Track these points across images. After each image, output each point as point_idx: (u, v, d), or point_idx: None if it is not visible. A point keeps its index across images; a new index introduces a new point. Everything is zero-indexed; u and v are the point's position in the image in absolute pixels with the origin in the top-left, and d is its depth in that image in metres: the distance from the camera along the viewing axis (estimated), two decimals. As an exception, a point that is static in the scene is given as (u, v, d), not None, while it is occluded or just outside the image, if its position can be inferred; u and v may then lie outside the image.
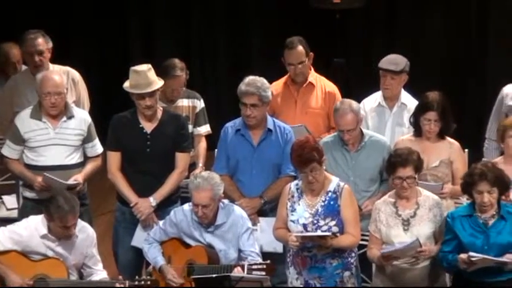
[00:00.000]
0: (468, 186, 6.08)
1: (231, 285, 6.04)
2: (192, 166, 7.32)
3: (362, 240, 6.47)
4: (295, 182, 6.44)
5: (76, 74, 7.67)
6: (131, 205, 6.85)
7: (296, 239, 6.19)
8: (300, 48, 7.43)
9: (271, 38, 9.34)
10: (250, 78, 6.92)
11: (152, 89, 6.79)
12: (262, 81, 6.92)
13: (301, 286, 6.34)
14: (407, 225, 6.24)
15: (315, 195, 6.32)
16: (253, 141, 6.98)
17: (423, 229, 6.22)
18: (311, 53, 7.49)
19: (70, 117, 6.98)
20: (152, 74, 6.85)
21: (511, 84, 7.29)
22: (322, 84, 7.55)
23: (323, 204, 6.30)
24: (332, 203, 6.29)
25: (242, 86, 6.89)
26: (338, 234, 6.26)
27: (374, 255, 6.27)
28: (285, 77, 7.57)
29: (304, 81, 7.52)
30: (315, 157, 6.20)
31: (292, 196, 6.37)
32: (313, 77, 7.55)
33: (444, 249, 6.13)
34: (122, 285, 6.13)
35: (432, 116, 6.74)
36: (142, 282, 6.12)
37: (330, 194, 6.31)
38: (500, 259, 5.94)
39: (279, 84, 7.54)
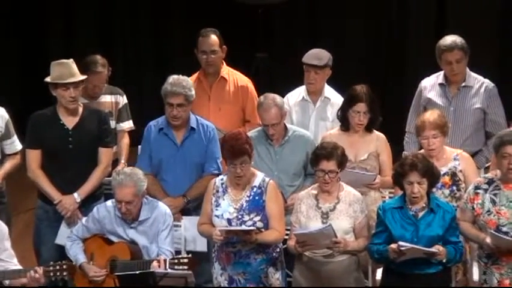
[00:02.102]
0: (399, 176, 6.12)
1: (155, 282, 6.00)
2: (115, 162, 7.28)
3: (287, 235, 6.48)
4: (220, 177, 6.43)
5: None
6: (55, 202, 6.77)
7: (220, 233, 6.17)
8: (214, 37, 7.44)
9: (192, 33, 9.31)
10: (174, 78, 6.88)
11: (77, 78, 6.76)
12: (186, 80, 6.90)
13: (226, 283, 6.31)
14: (326, 219, 6.27)
15: (240, 189, 6.31)
16: (177, 140, 6.96)
17: (341, 223, 6.24)
18: (224, 46, 7.49)
19: (-14, 115, 6.90)
20: (75, 66, 6.82)
21: (429, 77, 7.39)
22: (234, 79, 7.55)
23: (247, 199, 6.29)
24: (257, 198, 6.29)
25: (168, 86, 6.84)
26: (263, 230, 6.25)
27: (292, 245, 6.29)
28: (197, 72, 7.56)
29: (216, 74, 7.51)
30: (247, 150, 6.21)
31: (217, 191, 6.35)
32: (226, 71, 7.55)
33: (374, 241, 6.17)
34: (36, 273, 5.98)
35: (362, 108, 6.78)
36: (57, 267, 5.98)
37: (255, 189, 6.31)
38: (428, 249, 5.99)
39: (191, 79, 7.51)
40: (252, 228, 6.18)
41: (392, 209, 6.15)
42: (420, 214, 6.11)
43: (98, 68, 7.41)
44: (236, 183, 6.30)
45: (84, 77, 6.85)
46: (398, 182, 6.17)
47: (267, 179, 6.34)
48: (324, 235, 6.14)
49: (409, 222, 6.10)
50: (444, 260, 6.06)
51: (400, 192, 6.25)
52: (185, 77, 6.91)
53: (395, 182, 6.22)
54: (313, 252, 6.27)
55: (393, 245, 6.01)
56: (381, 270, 6.41)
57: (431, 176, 6.09)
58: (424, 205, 6.13)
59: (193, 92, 6.89)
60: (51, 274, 5.96)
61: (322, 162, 6.23)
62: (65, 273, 6.01)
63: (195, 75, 7.53)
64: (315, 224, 6.25)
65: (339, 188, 6.33)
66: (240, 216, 6.27)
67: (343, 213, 6.28)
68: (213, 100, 7.48)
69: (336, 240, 6.15)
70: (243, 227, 6.20)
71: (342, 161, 6.28)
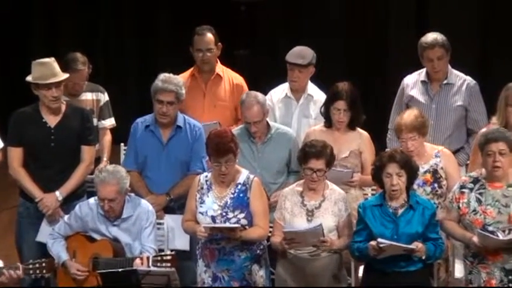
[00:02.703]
0: (378, 170, 6.13)
1: (138, 280, 5.99)
2: (97, 160, 7.29)
3: (270, 232, 6.47)
4: (205, 174, 6.43)
5: None
6: (37, 200, 6.76)
7: (205, 230, 6.17)
8: (210, 35, 7.45)
9: (175, 31, 9.33)
10: (165, 76, 6.89)
11: (59, 78, 6.74)
12: (177, 78, 6.92)
13: (210, 280, 6.30)
14: (311, 216, 6.28)
15: (224, 187, 6.31)
16: (163, 138, 6.96)
17: (326, 221, 6.25)
18: (220, 44, 7.50)
19: (-32, 112, 6.88)
20: (57, 66, 6.80)
21: (411, 74, 7.41)
22: (229, 76, 7.56)
23: (232, 196, 6.29)
24: (241, 195, 6.29)
25: (159, 83, 6.84)
26: (247, 227, 6.25)
27: (276, 241, 6.29)
28: (191, 69, 7.56)
29: (212, 71, 7.51)
30: (232, 148, 6.21)
31: (202, 188, 6.34)
32: (220, 68, 7.56)
33: (356, 239, 6.17)
34: (16, 270, 5.97)
35: (342, 106, 6.80)
36: (37, 265, 5.99)
37: (239, 186, 6.31)
38: (408, 246, 6.01)
39: (185, 76, 7.49)
40: (236, 225, 6.17)
41: (371, 207, 6.16)
42: (400, 211, 6.12)
43: (78, 65, 7.42)
44: (220, 181, 6.29)
45: (66, 75, 6.85)
46: (377, 176, 6.16)
47: (251, 176, 6.34)
48: (313, 234, 6.15)
49: (389, 219, 6.11)
50: (424, 257, 6.08)
51: None
52: (176, 76, 6.92)
53: (374, 178, 6.22)
54: (298, 250, 6.28)
55: (373, 242, 6.02)
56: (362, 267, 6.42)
57: (410, 168, 6.10)
58: (404, 202, 6.14)
59: (184, 91, 6.90)
60: (31, 272, 5.97)
61: (311, 160, 6.22)
62: (44, 271, 6.02)
63: (189, 72, 7.54)
64: (299, 221, 6.26)
65: (325, 186, 6.34)
66: (224, 213, 6.26)
67: (328, 211, 6.29)
68: (208, 97, 7.49)
69: (323, 239, 6.16)
70: (228, 224, 6.20)
71: (331, 160, 6.29)
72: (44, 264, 6.00)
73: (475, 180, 6.16)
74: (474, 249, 6.09)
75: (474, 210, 6.10)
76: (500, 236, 6.00)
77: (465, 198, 6.14)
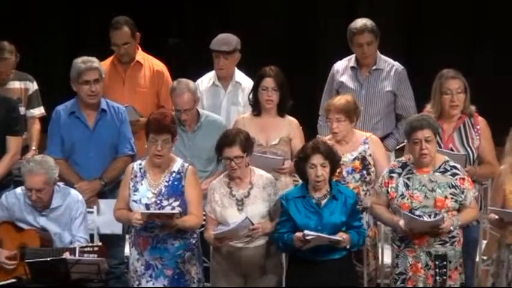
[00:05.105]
0: (301, 161, 6.15)
1: (67, 269, 5.95)
2: (25, 149, 7.23)
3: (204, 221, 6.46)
4: (138, 162, 6.41)
5: None
6: (-40, 191, 6.68)
7: (141, 216, 6.14)
8: (126, 29, 7.41)
9: (106, 17, 9.23)
10: (83, 58, 6.86)
11: None
12: (94, 58, 6.88)
13: (143, 268, 6.28)
14: (241, 206, 6.28)
15: (158, 174, 6.28)
16: (89, 123, 6.93)
17: (257, 208, 6.26)
18: (138, 33, 7.47)
19: None
20: None
21: (341, 61, 7.45)
22: (150, 63, 7.54)
23: (166, 184, 6.28)
24: (176, 183, 6.28)
25: (81, 65, 6.81)
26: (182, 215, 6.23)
27: (210, 236, 6.28)
28: (112, 56, 7.54)
29: (131, 61, 7.50)
30: (172, 129, 6.23)
31: (135, 176, 6.32)
32: (141, 56, 7.54)
33: (280, 231, 6.19)
34: None
35: (269, 83, 6.80)
36: None
37: (174, 174, 6.29)
38: (333, 237, 6.06)
39: (106, 63, 7.46)
40: (175, 211, 6.16)
41: (294, 199, 6.19)
42: (323, 202, 6.16)
43: (4, 54, 7.35)
44: (155, 162, 6.26)
45: None
46: (299, 168, 6.19)
47: (186, 165, 6.34)
48: (242, 227, 6.15)
49: (312, 210, 6.14)
50: (348, 246, 6.13)
51: None
52: (92, 57, 6.88)
53: (296, 169, 6.25)
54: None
55: (299, 234, 6.05)
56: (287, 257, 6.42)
57: (333, 158, 6.14)
58: (326, 192, 6.17)
59: (103, 68, 6.92)
60: None
61: (225, 150, 6.23)
62: None
63: (110, 59, 7.51)
64: (230, 212, 6.25)
65: (251, 172, 6.34)
66: (158, 201, 6.25)
67: (258, 198, 6.29)
68: (127, 84, 7.47)
69: (253, 227, 6.17)
70: (166, 211, 6.19)
71: (247, 146, 6.26)
72: None
73: (404, 165, 6.24)
74: (401, 233, 6.17)
75: (402, 195, 6.18)
76: (426, 220, 6.08)
77: (393, 182, 6.21)
